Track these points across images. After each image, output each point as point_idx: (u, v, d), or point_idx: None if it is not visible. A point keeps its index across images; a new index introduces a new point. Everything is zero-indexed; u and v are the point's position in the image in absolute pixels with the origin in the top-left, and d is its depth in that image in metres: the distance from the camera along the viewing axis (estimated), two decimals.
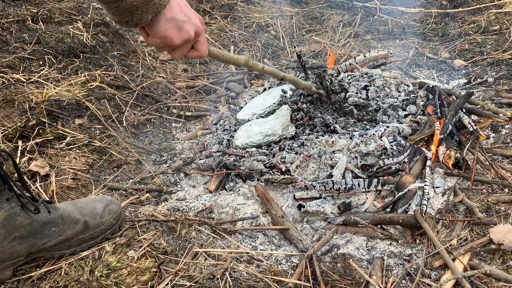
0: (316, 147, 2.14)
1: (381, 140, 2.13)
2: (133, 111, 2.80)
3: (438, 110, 2.18)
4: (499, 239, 1.63)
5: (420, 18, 4.45)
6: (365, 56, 2.82)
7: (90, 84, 2.78)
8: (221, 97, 3.19)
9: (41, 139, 2.25)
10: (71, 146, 2.32)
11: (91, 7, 3.70)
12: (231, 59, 1.52)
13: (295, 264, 1.66)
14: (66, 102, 2.53)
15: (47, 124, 2.35)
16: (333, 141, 2.13)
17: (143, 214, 1.95)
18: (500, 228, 1.67)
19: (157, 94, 3.08)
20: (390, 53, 2.80)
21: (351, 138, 2.17)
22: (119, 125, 2.63)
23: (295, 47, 2.72)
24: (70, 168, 2.19)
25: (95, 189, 2.13)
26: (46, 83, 2.65)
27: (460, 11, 4.25)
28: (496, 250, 1.63)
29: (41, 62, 2.91)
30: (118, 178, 2.27)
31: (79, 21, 3.48)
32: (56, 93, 2.58)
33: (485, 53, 3.36)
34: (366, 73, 2.69)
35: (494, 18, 3.88)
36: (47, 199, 1.95)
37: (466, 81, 2.87)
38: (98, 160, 2.32)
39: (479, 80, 2.91)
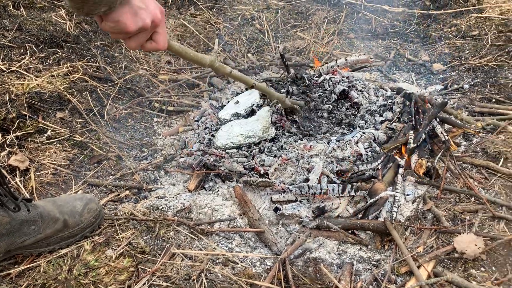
0: (295, 151, 2.19)
1: (357, 146, 2.20)
2: (114, 105, 2.81)
3: (413, 118, 2.25)
4: (462, 248, 1.72)
5: (403, 18, 4.51)
6: (346, 60, 2.88)
7: (72, 76, 2.77)
8: (203, 92, 3.22)
9: (21, 133, 2.25)
10: (51, 140, 2.33)
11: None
12: (194, 57, 1.44)
13: (268, 267, 1.73)
14: (48, 94, 2.52)
15: (27, 117, 2.35)
16: (310, 146, 2.19)
17: (122, 212, 1.99)
18: (464, 237, 1.76)
19: (140, 87, 3.09)
20: (371, 58, 2.86)
21: (328, 143, 2.24)
22: (100, 119, 2.64)
23: (278, 47, 2.74)
24: (51, 163, 2.20)
25: (75, 185, 2.15)
26: (27, 74, 2.63)
27: (443, 13, 4.32)
28: (459, 259, 1.72)
29: (22, 51, 2.88)
30: (99, 174, 2.29)
31: (62, 8, 3.43)
32: (38, 84, 2.57)
33: (463, 58, 3.45)
34: (347, 77, 2.75)
35: (474, 23, 3.97)
36: (27, 194, 1.97)
37: (442, 87, 2.95)
38: (79, 155, 2.33)
39: (455, 86, 3.00)
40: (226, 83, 3.40)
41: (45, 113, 2.46)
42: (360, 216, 1.94)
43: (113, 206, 2.08)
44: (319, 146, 2.20)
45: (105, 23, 1.03)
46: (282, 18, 4.43)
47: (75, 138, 2.39)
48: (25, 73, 2.64)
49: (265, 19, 4.35)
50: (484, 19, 3.97)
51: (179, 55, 1.41)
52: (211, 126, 2.55)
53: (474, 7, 4.23)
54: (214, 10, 4.42)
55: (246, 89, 2.91)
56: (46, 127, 2.37)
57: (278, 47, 2.69)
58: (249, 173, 2.14)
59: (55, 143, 2.33)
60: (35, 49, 2.93)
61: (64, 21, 3.26)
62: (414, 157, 2.09)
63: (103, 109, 2.72)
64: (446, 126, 2.39)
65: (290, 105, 2.32)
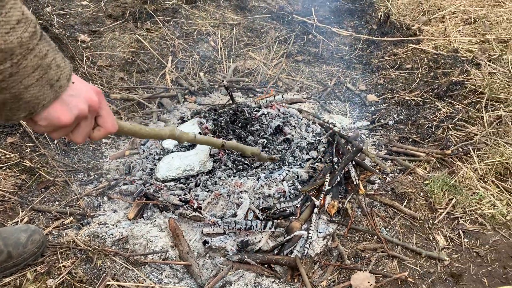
0: (227, 186, 2.45)
1: (282, 184, 2.48)
2: None
3: (332, 161, 2.56)
4: (357, 285, 2.04)
5: (349, 41, 4.83)
6: (283, 97, 3.16)
7: None
8: (153, 113, 3.42)
9: None
10: (1, 165, 2.49)
11: (30, 9, 3.73)
12: (152, 132, 1.27)
13: None
14: None
15: None
16: (241, 183, 2.46)
17: (65, 240, 2.19)
18: (360, 274, 2.09)
19: None
20: (304, 99, 3.15)
21: (257, 179, 2.51)
22: (50, 142, 2.80)
23: (223, 80, 2.98)
24: None
25: (22, 211, 2.33)
26: None
27: (385, 40, 4.66)
28: None
29: None
30: (45, 199, 2.47)
31: None
32: None
33: (395, 91, 3.79)
34: (283, 112, 3.02)
35: (411, 54, 4.32)
36: None
37: (369, 122, 3.28)
38: (27, 181, 2.51)
39: (381, 121, 3.34)
40: (176, 103, 3.62)
41: None
42: (277, 251, 2.23)
43: (57, 233, 2.28)
44: (249, 182, 2.47)
45: (37, 124, 0.89)
46: (236, 36, 4.64)
47: (24, 163, 2.55)
48: None
49: (220, 36, 4.56)
50: (420, 51, 4.33)
51: (133, 135, 1.24)
52: (155, 154, 2.77)
53: (413, 38, 4.59)
54: (171, 23, 4.57)
55: (191, 117, 3.13)
56: None
57: (223, 80, 2.92)
58: (185, 206, 2.38)
59: (4, 168, 2.49)
60: None
61: None
62: (328, 198, 2.39)
63: None
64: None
65: (266, 157, 2.25)
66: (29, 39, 0.79)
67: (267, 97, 3.20)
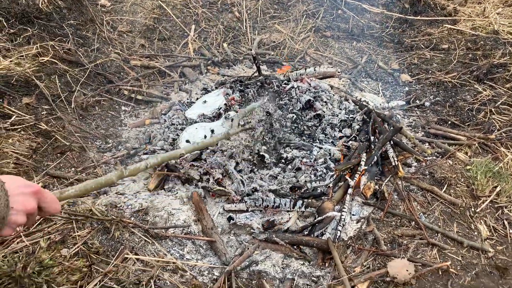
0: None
1: (315, 162, 2.31)
2: (83, 91, 2.81)
3: (369, 140, 2.37)
4: (394, 273, 1.87)
5: (381, 19, 4.58)
6: (315, 70, 2.95)
7: (42, 58, 2.75)
8: (174, 83, 3.24)
9: None
10: (16, 127, 2.34)
11: None
12: (98, 184, 1.25)
13: (215, 278, 1.85)
14: (15, 78, 2.51)
15: None
16: None
17: (81, 209, 2.05)
18: (397, 262, 1.92)
19: (110, 72, 3.09)
20: (338, 72, 2.94)
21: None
22: (67, 106, 2.65)
23: (250, 49, 2.79)
24: (13, 152, 2.23)
25: (36, 176, 2.19)
26: None
27: (419, 19, 4.40)
28: (391, 282, 1.87)
29: None
30: (61, 165, 2.33)
31: None
32: (5, 66, 2.54)
33: (430, 71, 3.57)
34: (314, 87, 2.83)
35: (447, 34, 4.07)
36: None
37: (404, 102, 3.07)
38: (43, 144, 2.36)
39: (417, 102, 3.13)
40: (198, 74, 3.44)
41: (11, 97, 2.45)
42: (307, 232, 2.06)
43: (72, 201, 2.14)
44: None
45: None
46: (262, 7, 4.42)
47: (40, 126, 2.40)
48: None
49: (245, 7, 4.34)
50: (457, 32, 4.08)
51: (81, 196, 1.27)
52: (177, 124, 2.61)
53: (449, 18, 4.33)
54: None
55: (216, 87, 2.96)
56: (11, 112, 2.37)
57: (250, 50, 2.72)
58: (205, 179, 2.22)
59: (19, 130, 2.34)
60: (4, 23, 2.88)
61: None
62: (364, 179, 2.22)
63: (71, 95, 2.72)
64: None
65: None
66: None
67: (296, 69, 3.00)
